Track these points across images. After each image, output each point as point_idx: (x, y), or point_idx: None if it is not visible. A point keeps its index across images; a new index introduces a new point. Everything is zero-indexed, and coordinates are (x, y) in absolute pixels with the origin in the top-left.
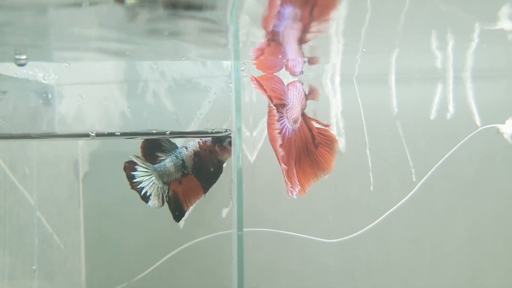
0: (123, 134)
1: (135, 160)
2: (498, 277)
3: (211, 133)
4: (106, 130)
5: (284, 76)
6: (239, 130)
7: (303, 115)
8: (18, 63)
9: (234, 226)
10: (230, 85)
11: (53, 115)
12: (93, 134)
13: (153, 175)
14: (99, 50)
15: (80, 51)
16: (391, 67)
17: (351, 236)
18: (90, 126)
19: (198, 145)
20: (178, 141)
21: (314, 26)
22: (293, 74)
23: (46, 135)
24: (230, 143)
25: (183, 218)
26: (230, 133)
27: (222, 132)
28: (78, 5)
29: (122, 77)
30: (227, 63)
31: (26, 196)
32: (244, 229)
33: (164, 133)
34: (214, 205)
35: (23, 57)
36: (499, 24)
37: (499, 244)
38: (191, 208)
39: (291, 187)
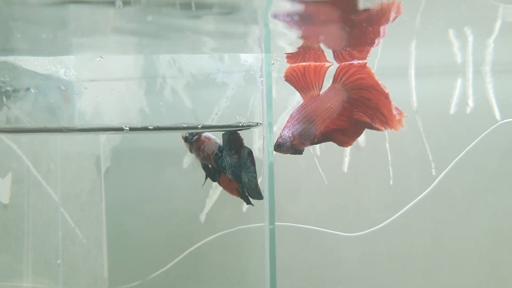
0: (156, 129)
1: None
2: None
3: (243, 126)
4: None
5: None
6: (270, 124)
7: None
8: None
9: (266, 220)
10: (261, 78)
11: (73, 111)
12: (127, 128)
13: None
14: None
15: (99, 43)
16: (410, 61)
17: (371, 230)
18: (109, 122)
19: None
20: None
21: None
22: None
23: (78, 129)
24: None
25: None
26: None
27: (253, 126)
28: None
29: (140, 73)
30: (245, 58)
31: (49, 192)
32: (265, 224)
33: (196, 127)
34: (235, 200)
35: None
36: None
37: None
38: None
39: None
